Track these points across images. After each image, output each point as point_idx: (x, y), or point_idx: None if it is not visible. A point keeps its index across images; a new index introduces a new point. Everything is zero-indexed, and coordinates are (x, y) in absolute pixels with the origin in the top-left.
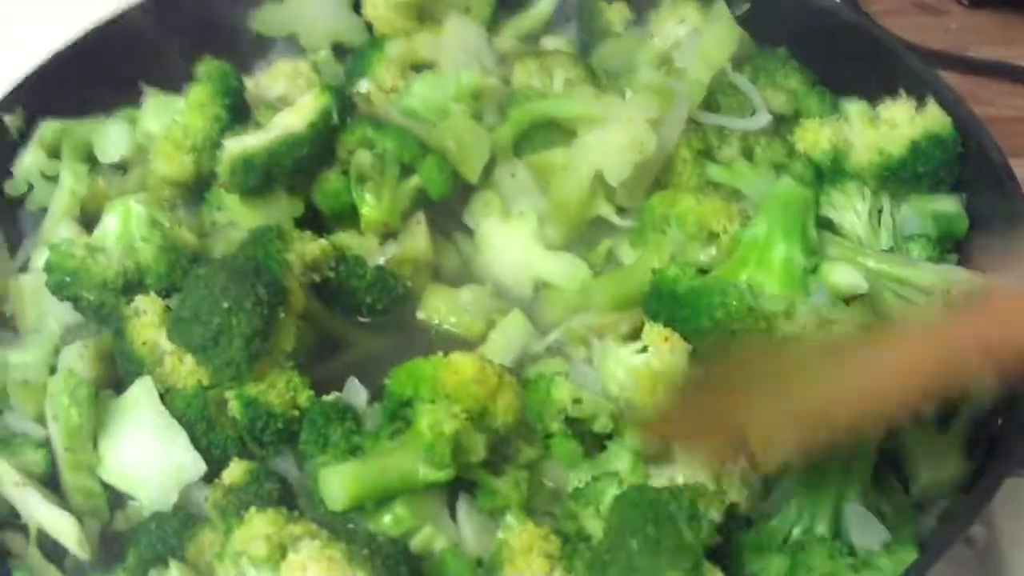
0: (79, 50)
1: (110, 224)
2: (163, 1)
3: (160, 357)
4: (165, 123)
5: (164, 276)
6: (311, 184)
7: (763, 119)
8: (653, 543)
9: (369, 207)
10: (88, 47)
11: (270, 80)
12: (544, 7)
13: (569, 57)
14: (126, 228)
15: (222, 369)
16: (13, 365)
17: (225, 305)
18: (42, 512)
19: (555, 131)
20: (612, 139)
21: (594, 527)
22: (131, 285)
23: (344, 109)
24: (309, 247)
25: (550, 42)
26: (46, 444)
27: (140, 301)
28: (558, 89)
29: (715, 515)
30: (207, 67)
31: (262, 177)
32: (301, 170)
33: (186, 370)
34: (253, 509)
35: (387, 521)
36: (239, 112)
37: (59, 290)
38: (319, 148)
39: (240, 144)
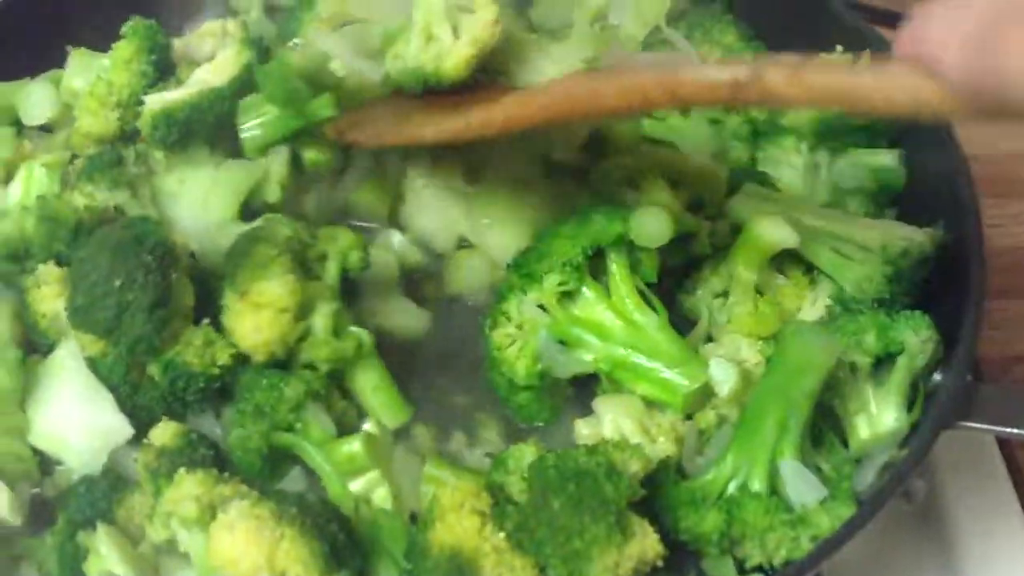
0: (2, 13)
1: (13, 188)
2: None
3: (66, 329)
4: (90, 81)
5: (45, 247)
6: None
7: None
8: (575, 501)
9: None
10: (12, 10)
11: (199, 40)
12: None
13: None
14: (27, 193)
15: (133, 347)
16: None
17: (117, 283)
18: None
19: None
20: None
21: (519, 492)
22: (16, 254)
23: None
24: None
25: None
26: None
27: (40, 271)
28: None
29: (636, 468)
30: (132, 25)
31: (182, 131)
32: (223, 125)
33: (96, 344)
34: (183, 470)
35: (343, 452)
36: (165, 69)
37: None
38: (223, 120)
39: (161, 99)
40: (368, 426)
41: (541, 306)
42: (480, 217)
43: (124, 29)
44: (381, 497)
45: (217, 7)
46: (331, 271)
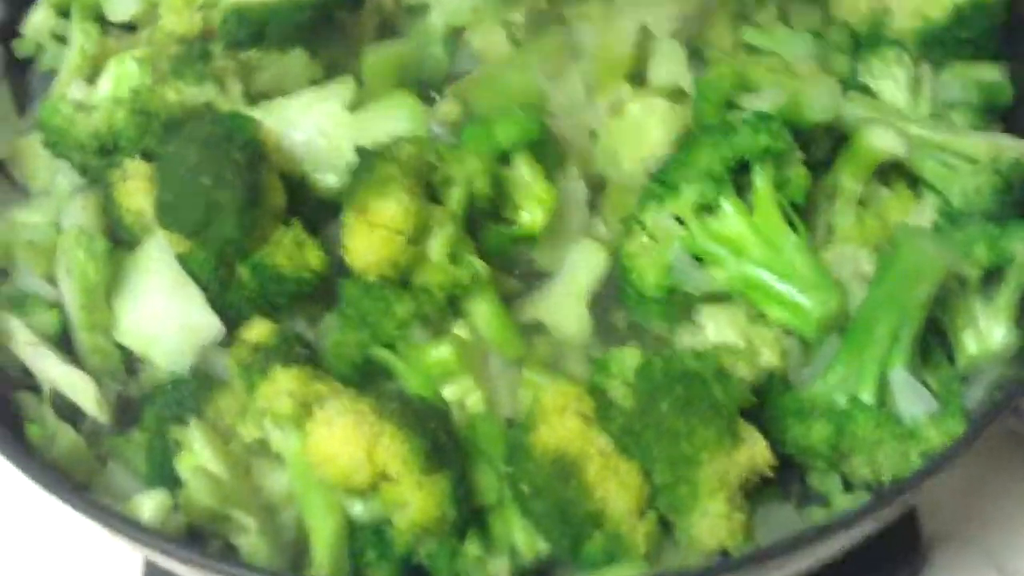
0: None
1: (104, 83)
2: None
3: (152, 225)
4: None
5: (135, 140)
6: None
7: None
8: (683, 403)
9: None
10: None
11: None
12: None
13: None
14: (118, 87)
15: (222, 247)
16: (21, 225)
17: (207, 182)
18: (58, 372)
19: None
20: None
21: (622, 396)
22: (106, 148)
23: None
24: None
25: None
26: (57, 304)
27: (127, 165)
28: None
29: (745, 373)
30: None
31: (253, 32)
32: (297, 36)
33: (184, 242)
34: (278, 366)
35: (433, 356)
36: None
37: (51, 148)
38: (318, 20)
39: None
40: (460, 331)
41: (678, 218)
42: None
43: None
44: (475, 402)
45: None
46: (454, 196)
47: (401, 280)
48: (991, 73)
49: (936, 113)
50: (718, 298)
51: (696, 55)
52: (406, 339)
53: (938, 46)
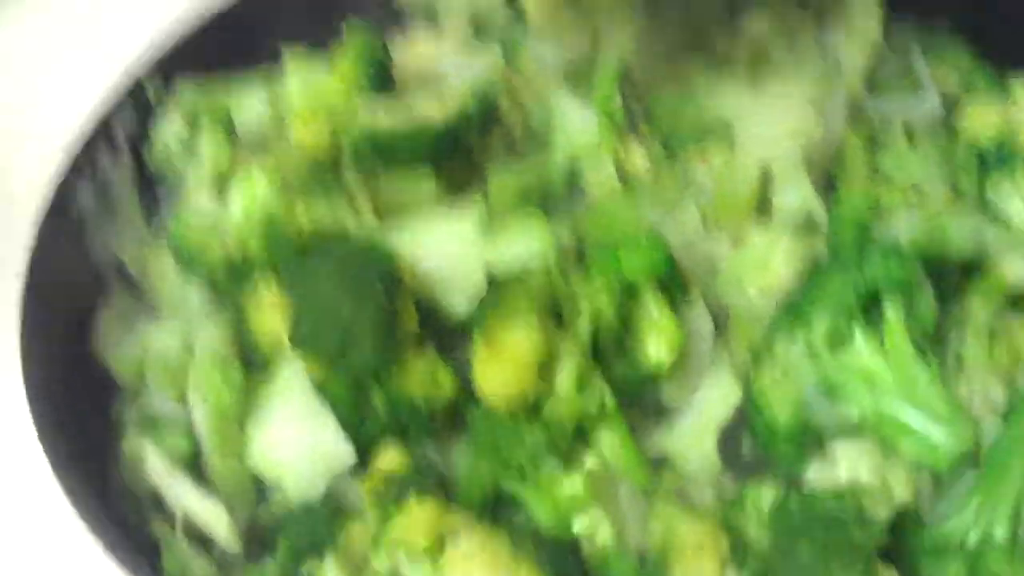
0: (217, 14)
1: (233, 196)
2: None
3: (286, 350)
4: (305, 89)
5: (267, 264)
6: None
7: (931, 100)
8: (822, 547)
9: None
10: (225, 11)
11: (409, 56)
12: None
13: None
14: (247, 201)
15: (358, 373)
16: (152, 343)
17: (345, 309)
18: (191, 500)
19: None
20: (773, 127)
21: (756, 535)
22: (237, 268)
23: (486, 117)
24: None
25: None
26: (189, 428)
27: (259, 288)
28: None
29: (883, 514)
30: (354, 36)
31: (383, 155)
32: (426, 158)
33: (319, 369)
34: (413, 497)
35: (566, 490)
36: (383, 83)
37: (182, 266)
38: (447, 145)
39: (371, 118)
40: (590, 462)
41: (809, 350)
42: None
43: (345, 37)
44: (605, 536)
45: (423, 16)
46: (583, 325)
47: (531, 409)
48: None
49: None
50: (849, 432)
51: (827, 182)
52: (537, 470)
53: None
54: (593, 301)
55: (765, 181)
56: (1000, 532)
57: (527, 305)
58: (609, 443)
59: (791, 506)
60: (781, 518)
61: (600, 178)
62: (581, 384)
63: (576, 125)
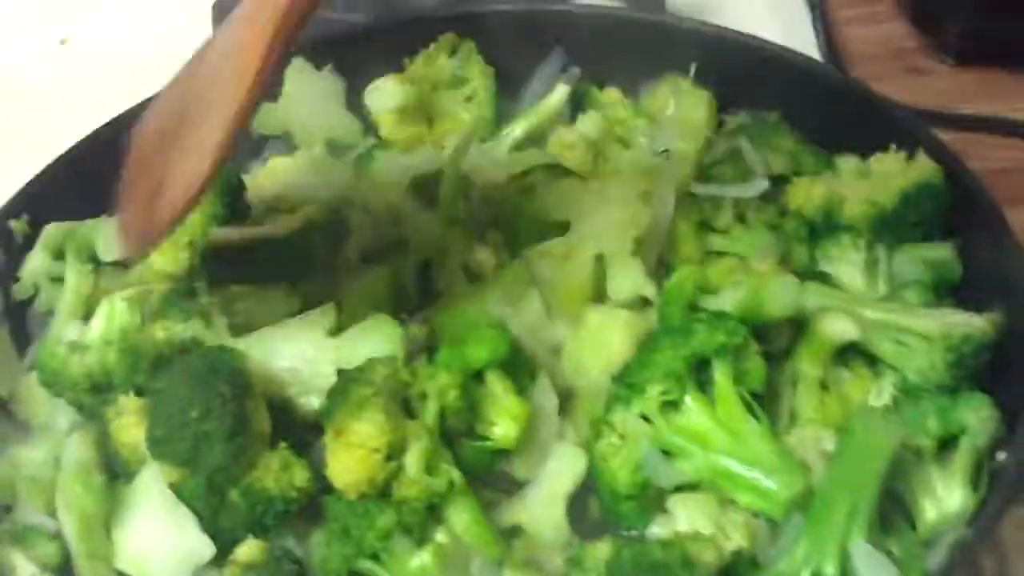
0: (80, 154)
1: (96, 322)
2: None
3: (147, 457)
4: None
5: (126, 378)
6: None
7: (762, 184)
8: None
9: None
10: (89, 151)
11: (262, 179)
12: (555, 100)
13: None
14: (109, 326)
15: (212, 475)
16: (23, 461)
17: (194, 415)
18: None
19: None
20: (606, 221)
21: None
22: (99, 386)
23: (332, 227)
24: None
25: (565, 135)
26: (58, 536)
27: (121, 402)
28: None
29: (711, 559)
30: None
31: (233, 268)
32: (277, 273)
33: (176, 472)
34: None
35: (414, 565)
36: (238, 211)
37: (48, 388)
38: (295, 256)
39: (220, 233)
40: (440, 537)
41: (644, 416)
42: None
43: None
44: None
45: (281, 144)
46: (429, 410)
47: (383, 493)
48: (940, 252)
49: (891, 294)
50: (689, 488)
51: (662, 267)
52: (389, 550)
53: (889, 229)
54: (438, 385)
55: (601, 270)
56: (829, 569)
57: (374, 396)
58: (459, 519)
59: (623, 558)
60: (614, 570)
61: (449, 277)
62: (429, 466)
63: (425, 231)
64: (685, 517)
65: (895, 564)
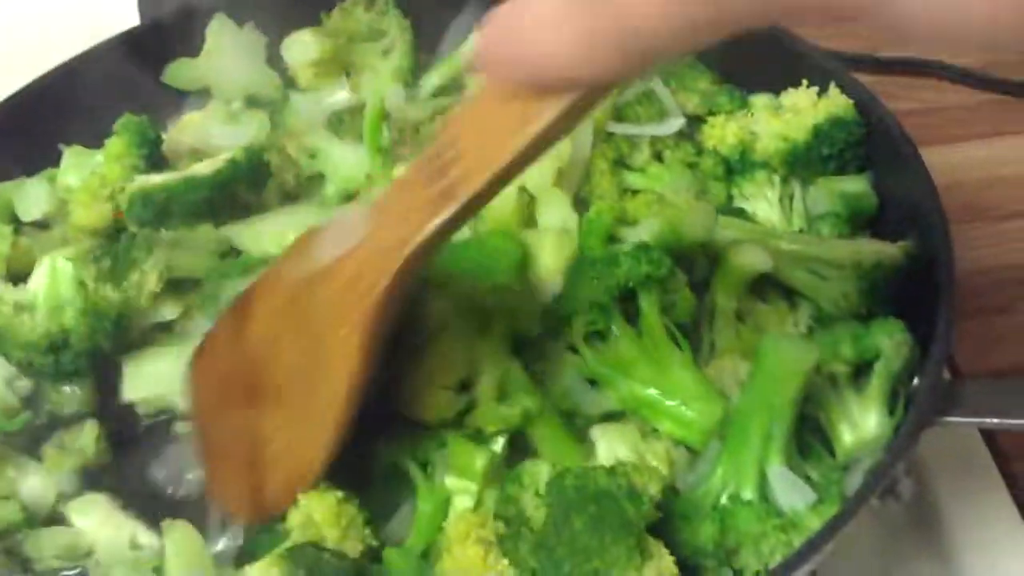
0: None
1: (37, 282)
2: (81, 62)
3: None
4: (81, 174)
5: (86, 338)
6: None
7: (677, 123)
8: (596, 520)
9: None
10: (6, 111)
11: (179, 132)
12: (470, 51)
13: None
14: (53, 286)
15: None
16: None
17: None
18: None
19: None
20: None
21: (534, 509)
22: (56, 345)
23: (255, 168)
24: None
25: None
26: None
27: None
28: None
29: (654, 491)
30: (124, 121)
31: (158, 212)
32: (200, 212)
33: None
34: None
35: None
36: (156, 163)
37: None
38: (220, 197)
39: (143, 180)
40: None
41: (571, 347)
42: None
43: (115, 125)
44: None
45: (200, 99)
46: (497, 332)
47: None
48: (856, 185)
49: (807, 227)
50: (614, 417)
51: (580, 204)
52: None
53: (803, 164)
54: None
55: (527, 204)
56: (747, 493)
57: (441, 329)
58: (541, 443)
59: (566, 482)
60: (556, 493)
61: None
62: (503, 391)
63: (347, 163)
64: (606, 445)
65: (813, 488)
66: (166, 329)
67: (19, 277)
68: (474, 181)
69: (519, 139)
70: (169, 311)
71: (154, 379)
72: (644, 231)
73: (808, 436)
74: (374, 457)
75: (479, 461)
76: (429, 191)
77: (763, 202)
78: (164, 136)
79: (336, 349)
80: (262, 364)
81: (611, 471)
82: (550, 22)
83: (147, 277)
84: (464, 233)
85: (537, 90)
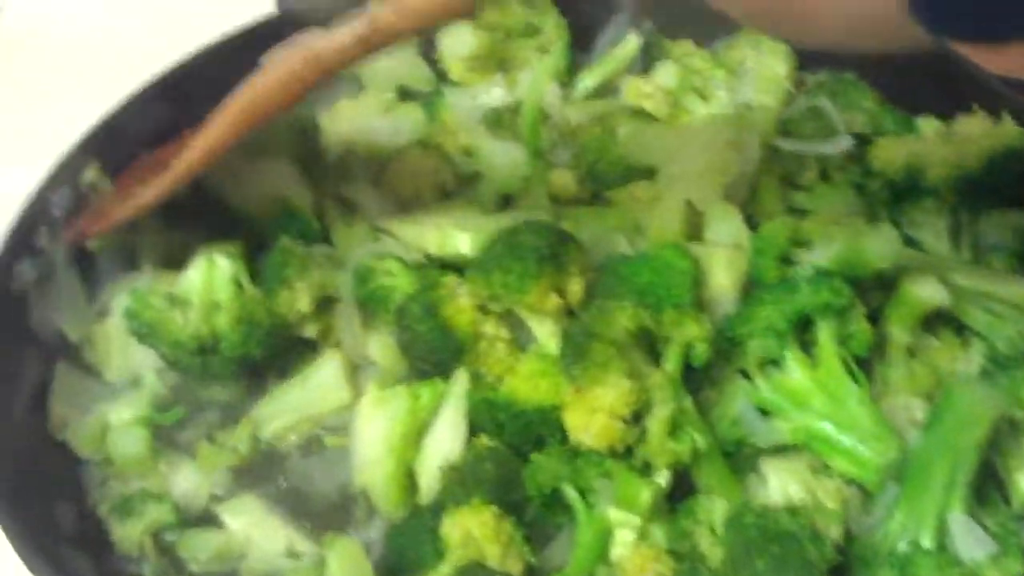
0: (149, 95)
1: (193, 277)
2: (222, 50)
3: None
4: None
5: (239, 346)
6: None
7: (845, 141)
8: (779, 562)
9: None
10: (138, 103)
11: (332, 120)
12: (628, 51)
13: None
14: (208, 284)
15: None
16: (114, 425)
17: None
18: None
19: (631, 171)
20: (694, 167)
21: (708, 546)
22: (206, 348)
23: None
24: None
25: (642, 84)
26: (165, 496)
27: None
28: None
29: (835, 533)
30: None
31: None
32: None
33: None
34: None
35: None
36: (312, 153)
37: (140, 339)
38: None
39: None
40: None
41: (744, 371)
42: None
43: None
44: None
45: (351, 87)
46: (672, 362)
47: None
48: None
49: (976, 259)
50: (783, 451)
51: (746, 222)
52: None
53: (974, 194)
54: (683, 334)
55: (693, 219)
56: (926, 541)
57: (617, 355)
58: (707, 480)
59: (746, 520)
60: (736, 531)
61: (533, 203)
62: (674, 425)
63: (505, 163)
64: (778, 481)
65: (992, 538)
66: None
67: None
68: (387, 12)
69: None
70: (310, 328)
71: (290, 409)
72: (821, 255)
73: (983, 482)
74: (532, 478)
75: (644, 494)
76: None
77: (931, 231)
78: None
79: (214, 119)
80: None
81: (793, 511)
82: None
83: (298, 296)
84: (628, 250)
85: None
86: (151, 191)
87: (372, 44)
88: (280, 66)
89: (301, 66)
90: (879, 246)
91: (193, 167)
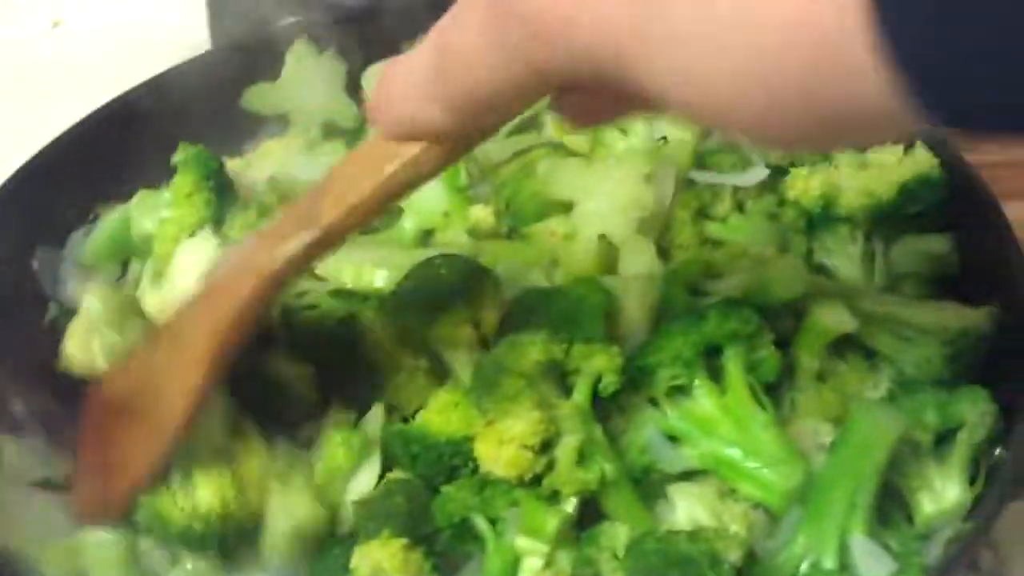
0: (80, 135)
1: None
2: (151, 88)
3: None
4: (156, 220)
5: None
6: None
7: (760, 173)
8: None
9: None
10: (74, 139)
11: (259, 159)
12: None
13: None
14: None
15: None
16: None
17: None
18: None
19: (548, 205)
20: (610, 201)
21: (610, 572)
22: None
23: None
24: None
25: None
26: None
27: None
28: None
29: (735, 557)
30: (184, 156)
31: None
32: None
33: None
34: None
35: None
36: (225, 191)
37: None
38: None
39: None
40: None
41: (653, 400)
42: None
43: (176, 160)
44: None
45: (277, 125)
46: (581, 393)
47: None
48: (938, 245)
49: (889, 285)
50: (691, 476)
51: (661, 254)
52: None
53: (887, 221)
54: (592, 365)
55: (607, 253)
56: (828, 562)
57: (527, 388)
58: (615, 508)
59: (647, 546)
60: (637, 557)
61: (451, 239)
62: (582, 455)
63: (425, 200)
64: (685, 506)
65: (893, 558)
66: None
67: None
68: (331, 212)
69: (376, 176)
70: None
71: None
72: (730, 285)
73: (887, 503)
74: (442, 509)
75: (551, 523)
76: (299, 218)
77: (844, 258)
78: (230, 163)
79: (185, 364)
80: (141, 386)
81: (693, 536)
82: (411, 90)
83: None
84: (544, 283)
85: (403, 138)
86: (141, 460)
87: (327, 244)
88: (227, 299)
89: (249, 292)
90: (785, 275)
91: (182, 427)
